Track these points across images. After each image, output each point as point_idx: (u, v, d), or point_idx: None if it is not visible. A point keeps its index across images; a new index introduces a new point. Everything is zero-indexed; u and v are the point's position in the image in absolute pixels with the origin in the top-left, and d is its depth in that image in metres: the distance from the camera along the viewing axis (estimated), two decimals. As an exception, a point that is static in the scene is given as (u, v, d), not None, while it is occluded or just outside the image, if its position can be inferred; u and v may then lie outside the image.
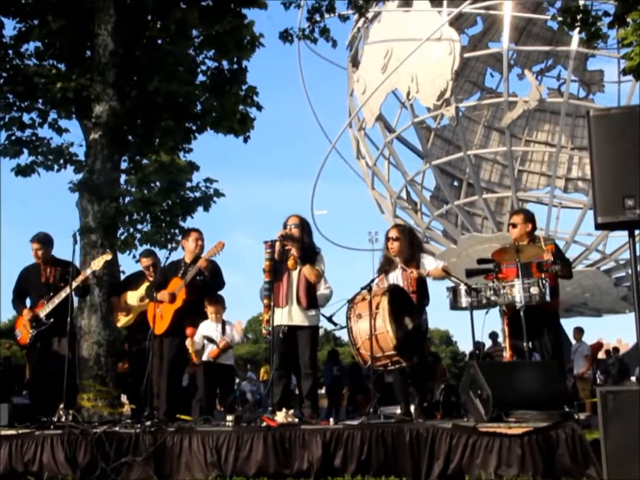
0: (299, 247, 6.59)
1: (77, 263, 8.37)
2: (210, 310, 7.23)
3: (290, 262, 6.59)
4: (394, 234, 6.85)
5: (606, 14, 10.26)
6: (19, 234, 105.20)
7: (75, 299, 8.02)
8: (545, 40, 32.11)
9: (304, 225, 6.84)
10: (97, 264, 7.41)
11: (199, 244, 7.42)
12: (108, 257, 7.53)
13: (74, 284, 7.14)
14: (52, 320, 7.30)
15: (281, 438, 5.26)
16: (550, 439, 4.78)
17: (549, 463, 4.72)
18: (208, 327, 7.18)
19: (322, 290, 7.09)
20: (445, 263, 6.89)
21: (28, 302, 7.74)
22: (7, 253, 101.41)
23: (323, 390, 17.06)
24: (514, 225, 7.02)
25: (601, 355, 19.81)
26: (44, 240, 7.64)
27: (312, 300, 6.66)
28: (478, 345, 9.02)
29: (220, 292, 7.47)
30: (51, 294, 7.39)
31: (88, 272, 7.51)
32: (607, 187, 4.28)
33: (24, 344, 7.59)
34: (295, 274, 6.63)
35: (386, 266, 6.86)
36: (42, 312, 7.40)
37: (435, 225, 33.26)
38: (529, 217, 7.11)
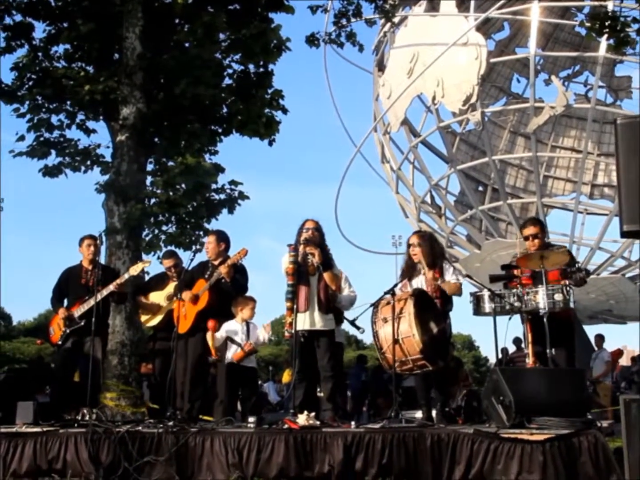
0: (319, 252, 6.59)
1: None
2: (249, 305, 7.31)
3: (310, 268, 6.60)
4: (414, 240, 6.88)
5: (635, 20, 10.14)
6: (44, 234, 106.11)
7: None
8: (573, 45, 31.89)
9: (320, 229, 6.86)
10: (135, 269, 7.51)
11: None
12: (147, 264, 7.62)
13: (111, 288, 7.28)
14: (84, 321, 7.39)
15: (302, 440, 5.28)
16: (573, 446, 4.75)
17: (571, 470, 4.69)
18: (233, 328, 7.21)
19: (347, 293, 6.98)
20: (462, 281, 6.85)
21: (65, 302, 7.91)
22: (29, 254, 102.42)
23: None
24: (535, 237, 6.96)
25: (626, 362, 19.56)
26: (97, 239, 7.75)
27: (330, 304, 6.65)
28: (503, 351, 8.98)
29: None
30: (86, 297, 7.49)
31: (126, 276, 7.58)
32: (633, 194, 4.26)
33: (55, 342, 7.74)
34: (314, 278, 6.62)
35: (409, 272, 6.86)
36: (77, 313, 7.54)
37: (460, 230, 33.03)
38: (544, 226, 7.12)
